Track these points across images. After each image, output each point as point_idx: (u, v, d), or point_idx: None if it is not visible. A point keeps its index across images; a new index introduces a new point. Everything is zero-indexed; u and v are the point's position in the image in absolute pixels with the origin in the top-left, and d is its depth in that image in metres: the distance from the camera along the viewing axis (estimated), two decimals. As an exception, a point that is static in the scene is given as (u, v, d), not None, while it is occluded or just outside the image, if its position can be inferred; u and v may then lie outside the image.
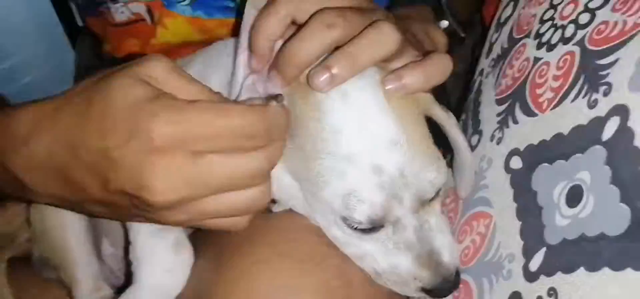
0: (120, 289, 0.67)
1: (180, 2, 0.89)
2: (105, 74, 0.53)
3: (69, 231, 0.77)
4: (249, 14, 0.58)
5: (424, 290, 0.61)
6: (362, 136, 0.56)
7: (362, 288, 0.63)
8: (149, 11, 0.92)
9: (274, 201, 0.65)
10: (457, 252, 0.63)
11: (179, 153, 0.49)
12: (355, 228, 0.59)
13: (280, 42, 0.57)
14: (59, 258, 0.78)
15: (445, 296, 0.62)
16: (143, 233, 0.64)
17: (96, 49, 1.05)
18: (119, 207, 0.54)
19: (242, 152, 0.51)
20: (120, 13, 0.94)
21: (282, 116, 0.53)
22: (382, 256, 0.61)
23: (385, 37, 0.56)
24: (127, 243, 0.66)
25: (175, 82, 0.52)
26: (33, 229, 0.81)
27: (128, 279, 0.66)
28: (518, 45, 0.67)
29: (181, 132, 0.48)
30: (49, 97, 0.58)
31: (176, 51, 0.88)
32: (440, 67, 0.59)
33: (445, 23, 0.86)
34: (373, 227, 0.59)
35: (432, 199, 0.61)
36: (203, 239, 0.67)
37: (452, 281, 0.61)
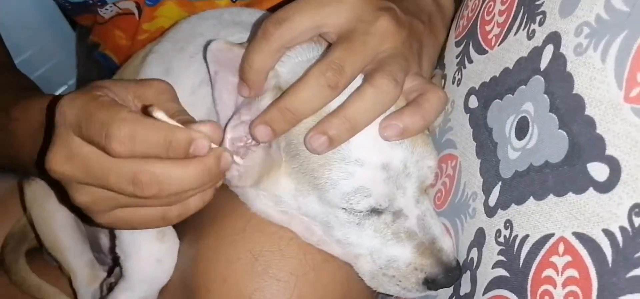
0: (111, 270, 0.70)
1: None
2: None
3: (55, 222, 0.82)
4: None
5: (427, 282, 0.60)
6: (370, 138, 0.56)
7: None
8: (138, 6, 0.94)
9: None
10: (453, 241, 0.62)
11: (70, 132, 0.51)
12: (356, 213, 0.58)
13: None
14: (52, 250, 0.82)
15: (448, 286, 0.60)
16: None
17: (85, 38, 1.08)
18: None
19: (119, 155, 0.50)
20: (109, 12, 0.97)
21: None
22: (379, 249, 0.60)
23: (384, 96, 0.54)
24: (113, 239, 0.68)
25: (162, 103, 0.54)
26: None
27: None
28: (473, -16, 0.67)
29: (73, 113, 0.51)
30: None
31: None
32: (436, 106, 0.58)
33: None
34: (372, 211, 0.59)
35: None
36: (180, 232, 0.69)
37: (454, 269, 0.59)
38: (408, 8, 0.63)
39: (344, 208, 0.58)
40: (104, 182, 0.51)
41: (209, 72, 0.59)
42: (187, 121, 0.53)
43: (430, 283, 0.60)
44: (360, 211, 0.58)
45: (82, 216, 0.60)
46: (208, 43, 0.58)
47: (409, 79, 0.58)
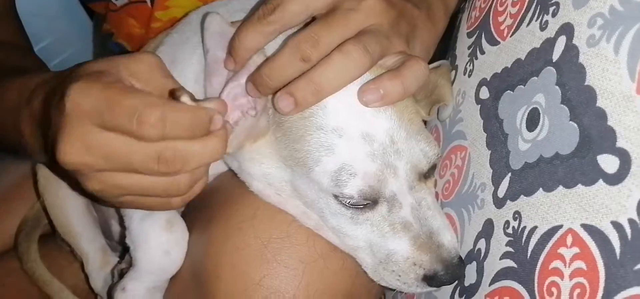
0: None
1: None
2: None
3: (67, 209, 0.83)
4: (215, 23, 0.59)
5: (426, 278, 0.59)
6: (347, 105, 0.57)
7: None
8: None
9: None
10: (456, 237, 0.61)
11: (86, 122, 0.51)
12: (349, 205, 0.58)
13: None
14: (65, 235, 0.83)
15: (448, 284, 0.59)
16: (135, 218, 0.67)
17: (99, 26, 1.09)
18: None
19: (149, 139, 0.51)
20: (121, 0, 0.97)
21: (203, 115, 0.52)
22: (378, 242, 0.60)
23: (351, 63, 0.55)
24: (123, 228, 0.69)
25: (157, 79, 0.54)
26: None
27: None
28: (486, -25, 0.67)
29: (89, 103, 0.50)
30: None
31: None
32: (416, 75, 0.58)
33: None
34: (366, 204, 0.58)
35: (427, 178, 0.61)
36: (192, 215, 0.70)
37: (454, 266, 0.58)
38: None
39: (335, 195, 0.58)
40: (126, 165, 0.52)
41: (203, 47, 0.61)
42: (193, 97, 0.54)
43: (430, 279, 0.59)
44: (351, 197, 0.57)
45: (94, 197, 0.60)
46: (205, 16, 0.59)
47: (392, 55, 0.59)
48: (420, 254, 0.58)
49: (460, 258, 0.59)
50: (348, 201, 0.58)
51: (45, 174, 0.84)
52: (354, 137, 0.56)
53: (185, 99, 0.52)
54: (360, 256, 0.61)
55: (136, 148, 0.50)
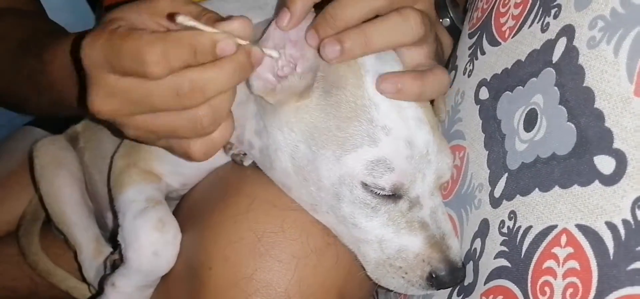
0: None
1: None
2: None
3: (62, 197, 0.83)
4: None
5: (431, 278, 0.59)
6: (398, 112, 0.58)
7: None
8: None
9: (244, 154, 0.66)
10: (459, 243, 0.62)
11: (102, 72, 0.52)
12: (376, 194, 0.58)
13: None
14: (59, 223, 0.83)
15: (450, 286, 0.60)
16: (128, 216, 0.66)
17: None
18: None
19: (159, 76, 0.51)
20: None
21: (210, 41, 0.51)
22: (390, 238, 0.60)
23: (407, 27, 0.56)
24: (116, 225, 0.68)
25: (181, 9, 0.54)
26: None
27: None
28: (489, -23, 0.67)
29: (98, 54, 0.51)
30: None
31: None
32: (437, 84, 0.59)
33: (447, 21, 0.78)
34: (391, 195, 0.59)
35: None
36: (188, 209, 0.69)
37: (458, 270, 0.59)
38: None
39: (364, 183, 0.58)
40: (149, 105, 0.52)
41: None
42: (214, 19, 0.53)
43: (434, 279, 0.59)
44: (383, 189, 0.58)
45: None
46: None
47: (426, 55, 0.60)
48: (431, 252, 0.59)
49: (463, 263, 0.60)
50: (379, 191, 0.58)
51: (41, 162, 0.84)
52: (399, 139, 0.57)
53: (181, 19, 0.50)
54: (364, 250, 0.61)
55: (153, 87, 0.51)
